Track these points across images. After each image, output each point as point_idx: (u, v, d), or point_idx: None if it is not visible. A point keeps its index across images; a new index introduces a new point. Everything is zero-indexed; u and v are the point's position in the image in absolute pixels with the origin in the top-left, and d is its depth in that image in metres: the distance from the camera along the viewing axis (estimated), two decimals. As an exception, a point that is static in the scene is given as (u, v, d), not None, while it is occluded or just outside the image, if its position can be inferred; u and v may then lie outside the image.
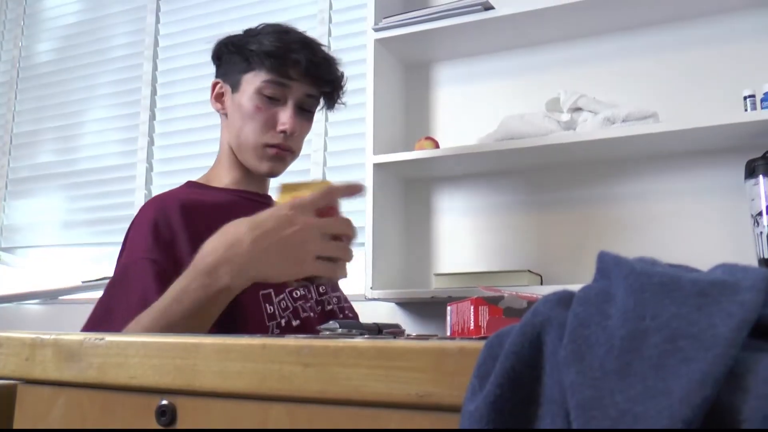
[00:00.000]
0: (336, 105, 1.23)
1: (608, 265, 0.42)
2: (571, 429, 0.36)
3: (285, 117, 1.12)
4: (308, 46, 1.14)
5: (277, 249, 0.79)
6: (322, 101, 1.21)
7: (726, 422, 0.32)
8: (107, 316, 0.96)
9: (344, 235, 0.82)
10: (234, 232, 0.82)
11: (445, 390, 0.42)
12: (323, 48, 1.19)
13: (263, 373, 0.47)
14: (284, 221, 0.79)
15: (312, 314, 1.11)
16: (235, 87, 1.16)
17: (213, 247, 0.82)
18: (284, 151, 1.15)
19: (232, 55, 1.16)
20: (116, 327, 0.89)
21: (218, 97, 1.20)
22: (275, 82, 1.11)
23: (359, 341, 0.44)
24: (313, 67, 1.13)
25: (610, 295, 0.40)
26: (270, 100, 1.12)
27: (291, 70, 1.12)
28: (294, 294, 1.09)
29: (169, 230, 1.03)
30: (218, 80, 1.20)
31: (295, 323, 1.08)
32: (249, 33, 1.17)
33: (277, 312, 1.05)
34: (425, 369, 0.42)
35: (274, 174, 1.19)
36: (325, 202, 0.82)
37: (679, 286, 0.38)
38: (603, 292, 0.41)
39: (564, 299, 0.42)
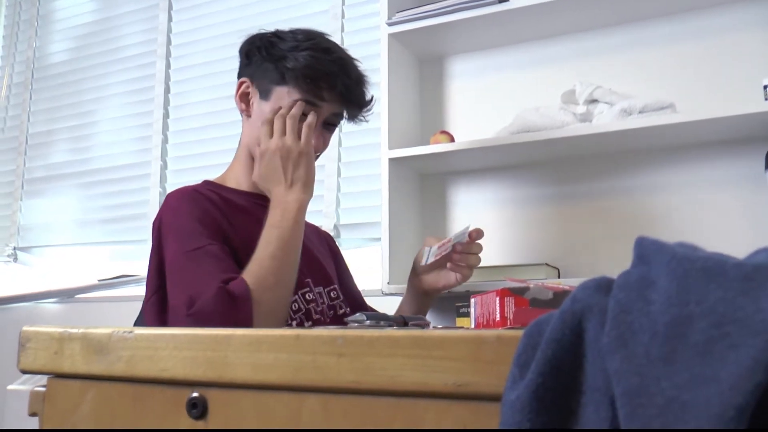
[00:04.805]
0: (358, 121, 1.23)
1: (648, 250, 0.41)
2: (616, 421, 0.35)
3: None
4: (344, 69, 1.14)
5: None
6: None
7: (781, 407, 0.31)
8: (197, 287, 0.93)
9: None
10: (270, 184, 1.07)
11: (483, 379, 0.41)
12: (358, 67, 1.19)
13: (297, 364, 0.47)
14: (267, 149, 1.08)
15: (323, 317, 1.13)
16: (264, 94, 1.14)
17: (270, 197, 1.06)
18: None
19: (265, 62, 1.14)
20: (209, 292, 0.91)
21: (243, 97, 1.17)
22: (307, 101, 1.11)
23: (395, 331, 0.44)
24: (347, 91, 1.14)
25: (651, 280, 0.39)
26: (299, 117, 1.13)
27: (325, 92, 1.12)
28: (307, 297, 1.11)
29: (213, 221, 1.05)
30: (245, 80, 1.17)
31: (306, 324, 1.09)
32: (284, 41, 1.14)
33: (289, 314, 1.07)
34: (463, 358, 0.41)
35: None
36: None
37: (723, 271, 0.37)
38: (643, 278, 0.40)
39: (603, 285, 0.41)
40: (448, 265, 1.23)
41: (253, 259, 0.98)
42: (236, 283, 0.94)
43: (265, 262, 0.97)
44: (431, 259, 1.19)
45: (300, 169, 1.06)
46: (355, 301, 1.30)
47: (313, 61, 1.10)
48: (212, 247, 0.99)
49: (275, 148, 1.06)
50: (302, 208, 1.05)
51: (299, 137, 1.08)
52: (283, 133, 1.08)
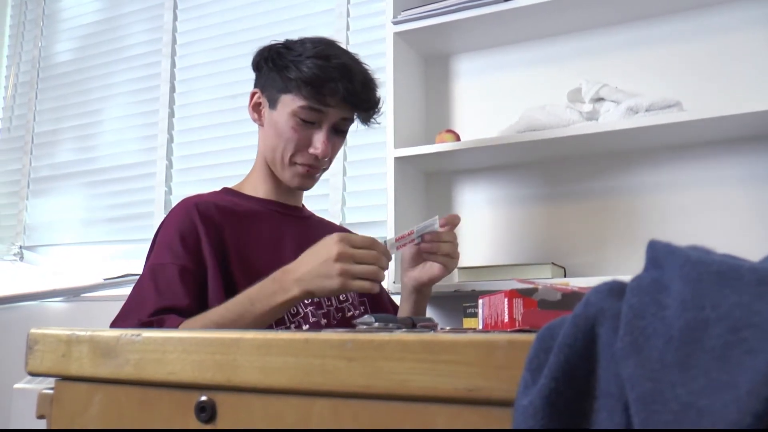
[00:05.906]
0: (370, 124, 1.24)
1: (660, 254, 0.41)
2: (630, 428, 0.35)
3: (318, 141, 1.15)
4: (347, 73, 1.14)
5: (320, 268, 0.95)
6: (356, 119, 1.23)
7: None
8: (137, 311, 0.99)
9: (375, 263, 0.97)
10: (304, 254, 0.98)
11: (494, 384, 0.41)
12: (364, 69, 1.20)
13: (306, 368, 0.46)
14: (328, 249, 0.95)
15: (327, 320, 1.15)
16: (272, 104, 1.18)
17: (289, 266, 0.98)
18: (314, 170, 1.20)
19: (272, 72, 1.17)
20: (136, 319, 0.97)
21: (256, 107, 1.22)
22: (311, 108, 1.14)
23: (404, 334, 0.44)
24: (350, 95, 1.14)
25: (664, 284, 0.39)
26: (305, 123, 1.15)
27: (328, 98, 1.13)
28: (306, 300, 1.11)
29: (194, 238, 1.08)
30: (257, 90, 1.22)
31: (304, 327, 1.10)
32: (290, 50, 1.17)
33: (285, 317, 1.09)
34: (473, 362, 0.41)
35: (304, 188, 1.24)
36: (364, 246, 0.97)
37: (738, 275, 0.36)
38: (656, 282, 0.39)
39: (616, 289, 0.41)
40: (424, 256, 1.19)
41: (207, 313, 0.97)
42: (170, 322, 0.95)
43: (212, 324, 0.95)
44: (393, 251, 1.17)
45: (324, 281, 0.95)
46: (381, 301, 1.33)
47: (315, 69, 1.12)
48: (174, 267, 1.03)
49: (341, 253, 0.95)
50: (288, 303, 0.98)
51: (364, 264, 0.97)
52: (359, 262, 0.97)
